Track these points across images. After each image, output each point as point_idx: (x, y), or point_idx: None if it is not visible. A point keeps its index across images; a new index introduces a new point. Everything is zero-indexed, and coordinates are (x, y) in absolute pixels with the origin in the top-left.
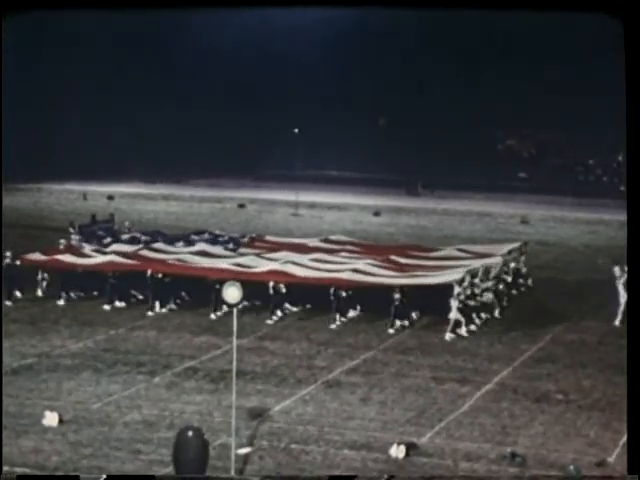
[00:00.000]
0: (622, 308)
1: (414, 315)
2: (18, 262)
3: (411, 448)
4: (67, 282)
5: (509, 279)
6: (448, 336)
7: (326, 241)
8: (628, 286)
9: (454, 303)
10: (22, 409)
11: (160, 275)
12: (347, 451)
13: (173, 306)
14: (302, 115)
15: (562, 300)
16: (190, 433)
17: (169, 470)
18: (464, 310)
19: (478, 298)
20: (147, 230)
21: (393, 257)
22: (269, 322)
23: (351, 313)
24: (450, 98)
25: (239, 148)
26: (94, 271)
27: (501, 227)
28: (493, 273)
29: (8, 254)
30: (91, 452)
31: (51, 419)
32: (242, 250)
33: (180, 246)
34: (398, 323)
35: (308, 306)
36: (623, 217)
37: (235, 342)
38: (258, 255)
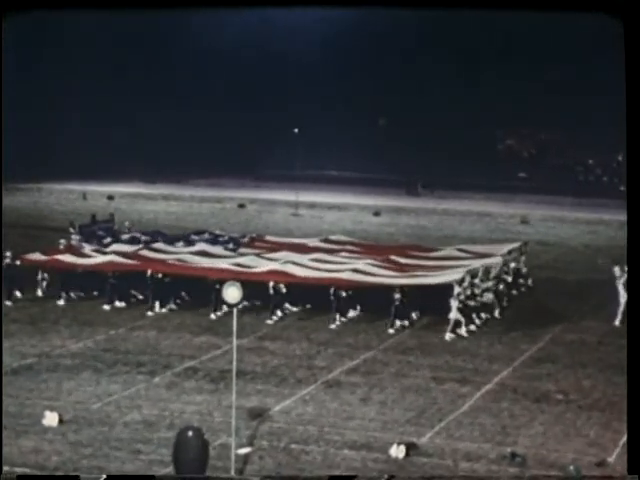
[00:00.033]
0: (622, 308)
1: (414, 315)
2: (18, 262)
3: (411, 448)
4: (67, 282)
5: (509, 279)
6: (448, 336)
7: (326, 241)
8: (628, 286)
9: (454, 303)
10: (22, 409)
11: (160, 275)
12: (347, 451)
13: (173, 306)
14: (302, 115)
15: (562, 300)
16: (190, 433)
17: (169, 470)
18: (464, 310)
19: (478, 298)
20: (147, 230)
21: (393, 257)
22: (269, 322)
23: (351, 313)
24: (450, 98)
25: (239, 148)
26: (94, 271)
27: (501, 227)
28: (493, 273)
29: (8, 254)
30: (91, 452)
31: (51, 419)
32: (242, 250)
33: (180, 246)
34: (398, 323)
35: (308, 306)
36: (623, 217)
37: (235, 342)
38: (258, 255)
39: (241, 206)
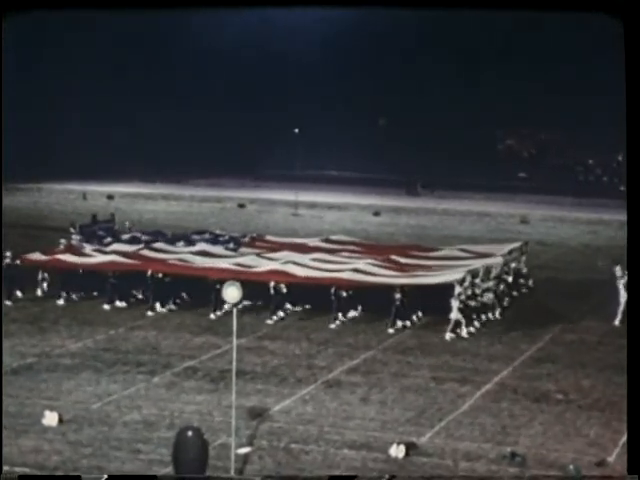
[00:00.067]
0: (622, 308)
1: (417, 316)
2: (18, 262)
3: (411, 448)
4: (67, 282)
5: (510, 279)
6: (448, 336)
7: (327, 241)
8: (628, 286)
9: (455, 303)
10: (22, 409)
11: (160, 275)
12: (347, 451)
13: (172, 307)
14: (302, 115)
15: (562, 300)
16: (190, 433)
17: (169, 470)
18: (465, 310)
19: (479, 298)
20: (148, 230)
21: (394, 257)
22: (269, 322)
23: (352, 313)
24: (450, 98)
25: (239, 148)
26: (95, 271)
27: (501, 227)
28: (494, 273)
29: (8, 254)
30: (91, 452)
31: (51, 419)
32: (243, 250)
33: (181, 246)
34: (399, 323)
35: (307, 306)
36: (623, 217)
37: (235, 342)
38: (259, 255)
39: (241, 206)
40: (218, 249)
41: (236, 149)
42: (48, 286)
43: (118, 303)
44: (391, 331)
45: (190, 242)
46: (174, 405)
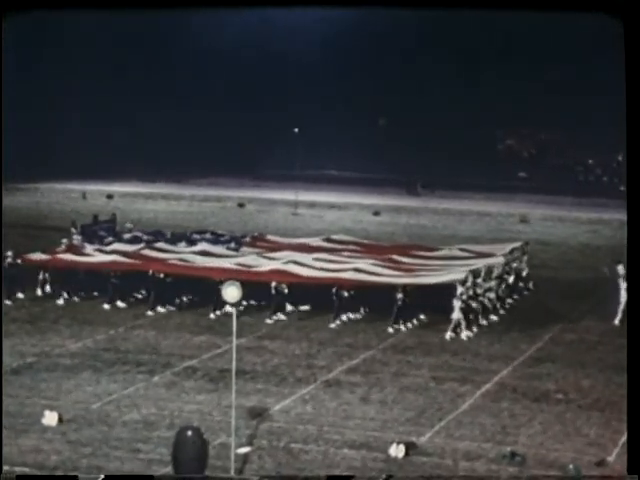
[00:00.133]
0: (623, 307)
1: (420, 317)
2: (19, 261)
3: (411, 447)
4: (68, 282)
5: (511, 279)
6: (449, 335)
7: (328, 240)
8: (628, 286)
9: (457, 303)
10: (22, 408)
11: (162, 275)
12: (347, 450)
13: (172, 308)
14: (302, 115)
15: (562, 300)
16: (189, 432)
17: (168, 470)
18: (466, 310)
19: (480, 298)
20: (149, 229)
21: (395, 257)
22: (269, 321)
23: (353, 313)
24: (450, 98)
25: (239, 148)
26: (96, 271)
27: (501, 227)
28: (495, 273)
29: (9, 254)
30: (91, 451)
31: (51, 418)
32: (244, 250)
33: (182, 246)
34: (401, 323)
35: (306, 307)
36: (623, 217)
37: (235, 341)
38: (260, 255)
39: (241, 205)
40: (219, 249)
41: (236, 149)
42: (51, 286)
43: (120, 303)
44: (391, 331)
45: (191, 242)
46: (174, 405)
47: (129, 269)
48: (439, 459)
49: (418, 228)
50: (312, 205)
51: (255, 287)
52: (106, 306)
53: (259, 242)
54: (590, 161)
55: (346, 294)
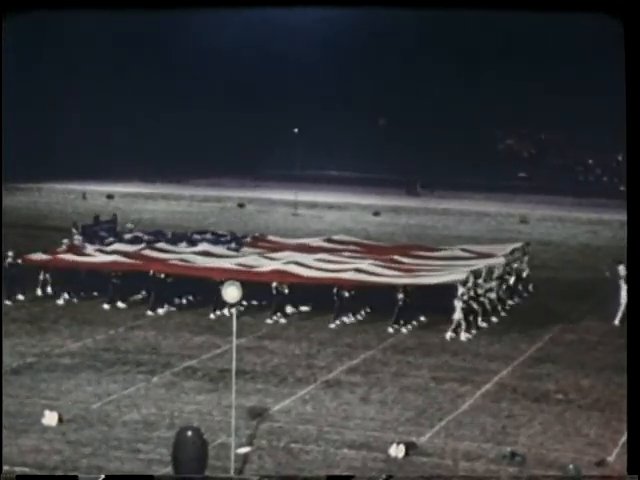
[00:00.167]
0: (623, 307)
1: (421, 317)
2: (20, 261)
3: (411, 448)
4: (69, 282)
5: (512, 280)
6: (449, 336)
7: (329, 241)
8: (628, 286)
9: (458, 304)
10: (22, 408)
11: (163, 275)
12: (347, 450)
13: (172, 308)
14: (302, 115)
15: (562, 300)
16: (189, 433)
17: (168, 470)
18: (467, 311)
19: (481, 299)
20: (150, 230)
21: (396, 257)
22: (269, 322)
23: (353, 314)
24: (450, 98)
25: (239, 148)
26: (97, 271)
27: (501, 227)
28: (496, 273)
29: (10, 254)
30: (90, 451)
31: (51, 418)
32: (244, 250)
33: (183, 246)
34: (402, 323)
35: (306, 308)
36: (623, 217)
37: (235, 341)
38: (261, 255)
39: (241, 206)
40: (220, 249)
41: (236, 149)
42: (52, 286)
43: (120, 304)
44: (391, 331)
45: (192, 242)
46: (174, 405)
47: (130, 269)
48: (439, 459)
49: (418, 228)
50: (312, 205)
51: (256, 287)
52: (106, 306)
53: (260, 242)
54: (590, 161)
55: (347, 294)
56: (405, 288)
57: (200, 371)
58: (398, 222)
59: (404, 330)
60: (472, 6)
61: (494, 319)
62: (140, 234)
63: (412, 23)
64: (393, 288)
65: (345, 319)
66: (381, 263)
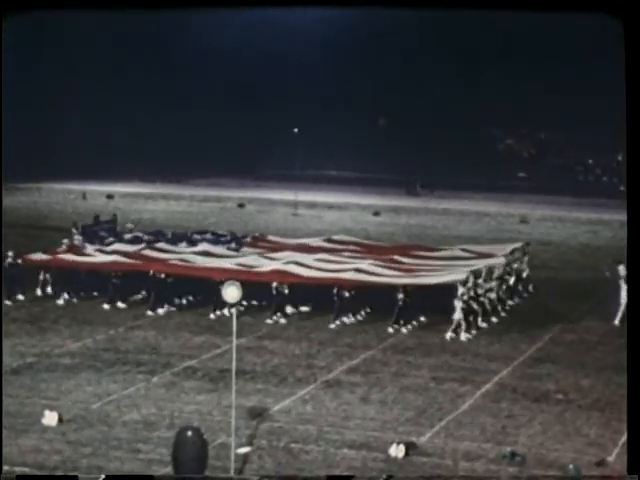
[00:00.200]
0: (623, 307)
1: (420, 318)
2: (20, 261)
3: (411, 448)
4: (69, 282)
5: (512, 280)
6: (449, 336)
7: (329, 241)
8: (628, 286)
9: (458, 304)
10: (22, 408)
11: (163, 275)
12: (347, 450)
13: (173, 308)
14: (302, 115)
15: (562, 300)
16: (189, 433)
17: (168, 470)
18: (467, 311)
19: (481, 299)
20: (150, 230)
21: (396, 257)
22: (269, 322)
23: (354, 314)
24: (450, 98)
25: (239, 148)
26: (97, 271)
27: (501, 227)
28: (496, 273)
29: (10, 254)
30: (90, 451)
31: (51, 418)
32: (245, 250)
33: (183, 246)
34: (402, 323)
35: (306, 308)
36: (623, 217)
37: (235, 341)
38: (261, 255)
39: (241, 206)
40: (220, 249)
41: (236, 149)
42: (52, 286)
43: (120, 304)
44: (391, 331)
45: (192, 242)
46: (174, 405)
47: (130, 269)
48: (439, 459)
49: (418, 228)
50: (312, 205)
51: (256, 287)
52: (106, 306)
53: (260, 242)
54: (590, 161)
55: (347, 294)
56: (405, 288)
57: (200, 371)
58: (398, 222)
59: (404, 330)
60: (472, 6)
61: (494, 319)
62: (140, 234)
63: (412, 23)
64: (393, 288)
65: (345, 319)
66: (381, 263)
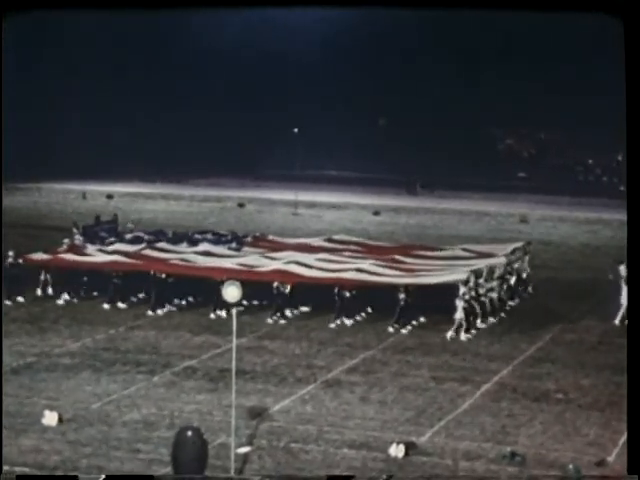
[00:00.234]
0: (624, 307)
1: (422, 318)
2: (21, 261)
3: (410, 447)
4: (70, 282)
5: (513, 280)
6: (450, 335)
7: (330, 241)
8: (628, 286)
9: (460, 303)
10: (22, 408)
11: (163, 275)
12: (346, 450)
13: (173, 308)
14: (302, 115)
15: (562, 300)
16: (189, 433)
17: (168, 470)
18: (468, 310)
19: (482, 298)
20: (151, 229)
21: (397, 257)
22: (269, 321)
23: (355, 314)
24: (450, 98)
25: (239, 148)
26: (97, 271)
27: (500, 227)
28: (497, 273)
29: (11, 254)
30: (90, 451)
31: (50, 418)
32: (245, 250)
33: (184, 246)
34: (403, 323)
35: (306, 309)
36: (622, 217)
37: (235, 341)
38: (262, 255)
39: (241, 205)
40: (221, 249)
41: (236, 149)
42: (52, 287)
43: (120, 305)
44: (391, 330)
45: (193, 242)
46: (174, 405)
47: (130, 269)
48: (439, 459)
49: (418, 228)
50: (312, 205)
51: (256, 287)
52: (106, 306)
53: (261, 242)
54: (590, 161)
55: (348, 294)
56: (406, 288)
57: (200, 371)
58: (398, 222)
59: (403, 331)
60: (472, 6)
61: (494, 319)
62: (141, 234)
63: (412, 23)
64: (394, 288)
65: (346, 319)
66: (382, 263)
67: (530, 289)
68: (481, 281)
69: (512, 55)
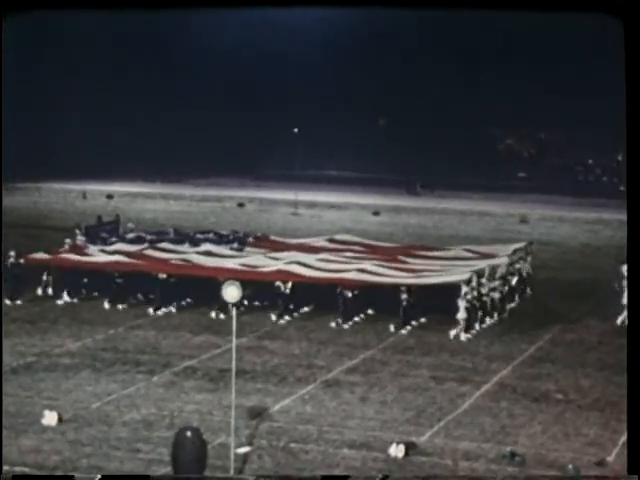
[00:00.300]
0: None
1: (425, 318)
2: (22, 261)
3: (410, 447)
4: (71, 282)
5: (514, 280)
6: (452, 335)
7: (332, 241)
8: (628, 286)
9: (462, 303)
10: (21, 408)
11: (165, 275)
12: (346, 450)
13: (173, 309)
14: (302, 115)
15: (562, 300)
16: (189, 433)
17: (168, 470)
18: (470, 310)
19: (484, 298)
20: (152, 229)
21: (399, 257)
22: (273, 319)
23: (356, 313)
24: (450, 98)
25: (239, 148)
26: (99, 271)
27: (501, 227)
28: (499, 273)
29: (12, 253)
30: (90, 451)
31: (50, 418)
32: (247, 250)
33: (185, 246)
34: (405, 323)
35: (306, 309)
36: (622, 217)
37: (235, 341)
38: (263, 255)
39: (240, 205)
40: (223, 249)
41: (236, 149)
42: (52, 286)
43: (120, 306)
44: (392, 329)
45: (194, 242)
46: (173, 405)
47: (132, 269)
48: (439, 459)
49: (418, 228)
50: (312, 205)
51: (257, 287)
52: (106, 305)
53: (262, 242)
54: (590, 161)
55: (350, 294)
56: (409, 288)
57: (200, 371)
58: (398, 222)
59: (403, 331)
60: (472, 6)
61: (495, 319)
62: (143, 234)
63: (412, 23)
64: (397, 288)
65: (348, 319)
66: (384, 263)
67: (529, 290)
68: (483, 281)
69: (512, 55)
